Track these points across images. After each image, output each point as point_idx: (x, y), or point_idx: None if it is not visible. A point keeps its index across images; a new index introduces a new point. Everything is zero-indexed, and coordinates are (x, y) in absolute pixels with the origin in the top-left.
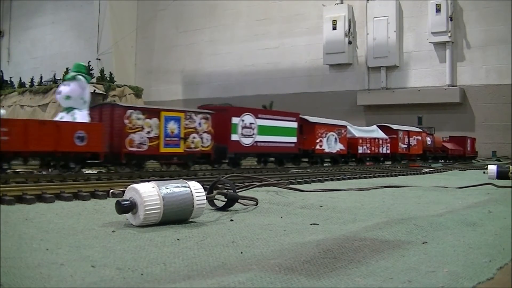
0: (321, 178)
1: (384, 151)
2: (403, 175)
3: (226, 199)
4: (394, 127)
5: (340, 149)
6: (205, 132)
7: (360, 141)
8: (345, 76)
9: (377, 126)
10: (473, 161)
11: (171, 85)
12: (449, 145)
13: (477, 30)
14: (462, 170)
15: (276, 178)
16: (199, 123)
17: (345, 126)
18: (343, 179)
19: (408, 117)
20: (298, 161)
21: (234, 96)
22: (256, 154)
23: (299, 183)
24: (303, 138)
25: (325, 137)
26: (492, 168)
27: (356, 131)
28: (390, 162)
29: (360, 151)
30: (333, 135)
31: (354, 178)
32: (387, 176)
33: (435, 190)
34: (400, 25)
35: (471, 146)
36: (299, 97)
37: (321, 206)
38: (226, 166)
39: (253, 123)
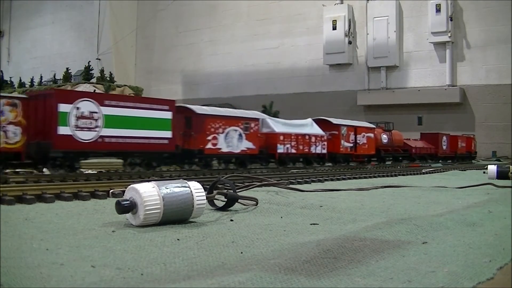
0: (321, 178)
1: (319, 151)
2: (403, 175)
3: (226, 199)
4: (335, 121)
5: (248, 148)
6: (11, 123)
7: (281, 138)
8: (345, 76)
9: (314, 119)
10: (473, 161)
11: (171, 85)
12: (413, 143)
13: (477, 30)
14: (462, 170)
15: (276, 178)
16: (1, 112)
17: (256, 119)
18: (343, 179)
19: (408, 117)
20: (182, 163)
21: (234, 96)
22: (103, 152)
23: (299, 183)
24: (190, 134)
25: (222, 133)
26: (492, 168)
27: (277, 125)
28: (330, 164)
29: (280, 151)
30: (236, 130)
31: (354, 178)
32: (387, 176)
33: (435, 190)
34: (400, 25)
35: (450, 145)
36: (299, 97)
37: (321, 206)
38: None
39: (95, 112)
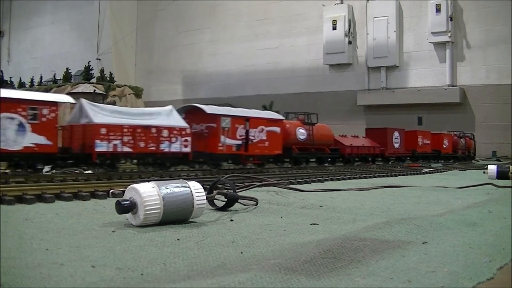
0: (321, 178)
1: (176, 149)
2: (403, 175)
3: (226, 199)
4: (211, 110)
5: (36, 144)
6: None
7: (103, 130)
8: (345, 76)
9: (184, 108)
10: (473, 161)
11: (171, 85)
12: (348, 141)
13: (477, 30)
14: (462, 170)
15: (276, 178)
16: None
17: (52, 104)
18: (343, 179)
19: (408, 117)
20: None
21: (234, 96)
22: None
23: (299, 183)
24: None
25: None
26: (492, 168)
27: (99, 114)
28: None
29: (101, 149)
30: (12, 118)
31: (354, 178)
32: (387, 176)
33: (435, 190)
34: (400, 25)
35: (404, 142)
36: (299, 97)
37: (321, 206)
38: None
39: None
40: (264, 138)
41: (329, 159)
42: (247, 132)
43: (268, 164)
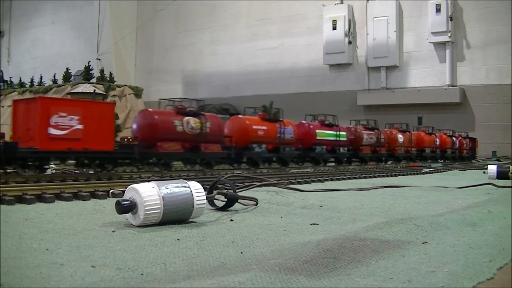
0: (321, 178)
1: None
2: (403, 175)
3: (226, 199)
4: None
5: None
6: None
7: None
8: (345, 76)
9: None
10: (473, 161)
11: (171, 85)
12: None
13: (477, 30)
14: (462, 170)
15: (276, 178)
16: None
17: None
18: (343, 179)
19: (408, 117)
20: None
21: (234, 96)
22: None
23: (299, 183)
24: None
25: None
26: (492, 168)
27: None
28: None
29: None
30: None
31: (354, 178)
32: (387, 176)
33: (435, 190)
34: (400, 25)
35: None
36: (299, 97)
37: (321, 206)
38: None
39: None
40: None
41: None
42: None
43: None
